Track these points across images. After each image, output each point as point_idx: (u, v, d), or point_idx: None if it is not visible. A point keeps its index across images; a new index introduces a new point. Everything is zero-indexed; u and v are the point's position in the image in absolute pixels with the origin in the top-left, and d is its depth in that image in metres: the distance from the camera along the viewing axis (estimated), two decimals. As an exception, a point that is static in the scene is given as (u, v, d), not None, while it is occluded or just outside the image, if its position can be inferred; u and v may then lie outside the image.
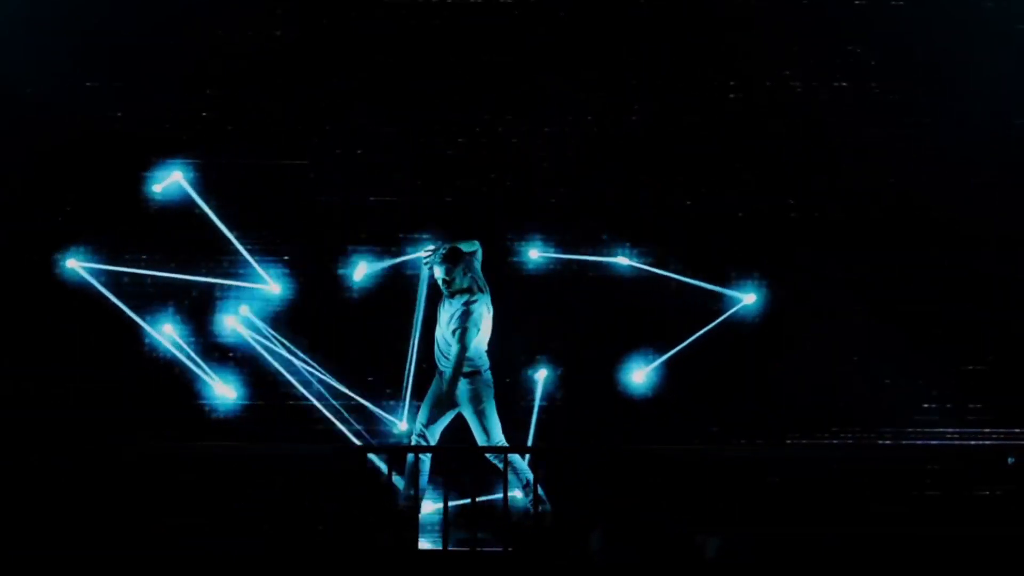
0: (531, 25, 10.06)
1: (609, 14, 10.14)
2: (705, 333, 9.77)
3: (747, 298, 9.79)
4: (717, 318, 9.80)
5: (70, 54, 9.82)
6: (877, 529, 8.03)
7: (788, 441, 9.68)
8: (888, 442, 9.61)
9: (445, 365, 8.48)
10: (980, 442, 9.42)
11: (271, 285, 9.72)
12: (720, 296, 9.88)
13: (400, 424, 9.33)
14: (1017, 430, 9.59)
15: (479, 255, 8.68)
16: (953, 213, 10.06)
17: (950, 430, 9.65)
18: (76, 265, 9.63)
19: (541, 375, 9.72)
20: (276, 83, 9.90)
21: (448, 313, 8.51)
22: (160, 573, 7.51)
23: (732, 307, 9.83)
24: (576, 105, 10.06)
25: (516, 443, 8.80)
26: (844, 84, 10.12)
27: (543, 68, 10.04)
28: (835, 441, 9.65)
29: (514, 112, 10.03)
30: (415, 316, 9.20)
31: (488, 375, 8.57)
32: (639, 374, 9.71)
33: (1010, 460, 8.47)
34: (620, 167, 9.99)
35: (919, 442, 9.55)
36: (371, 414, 9.60)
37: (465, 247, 8.59)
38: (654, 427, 9.65)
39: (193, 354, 9.62)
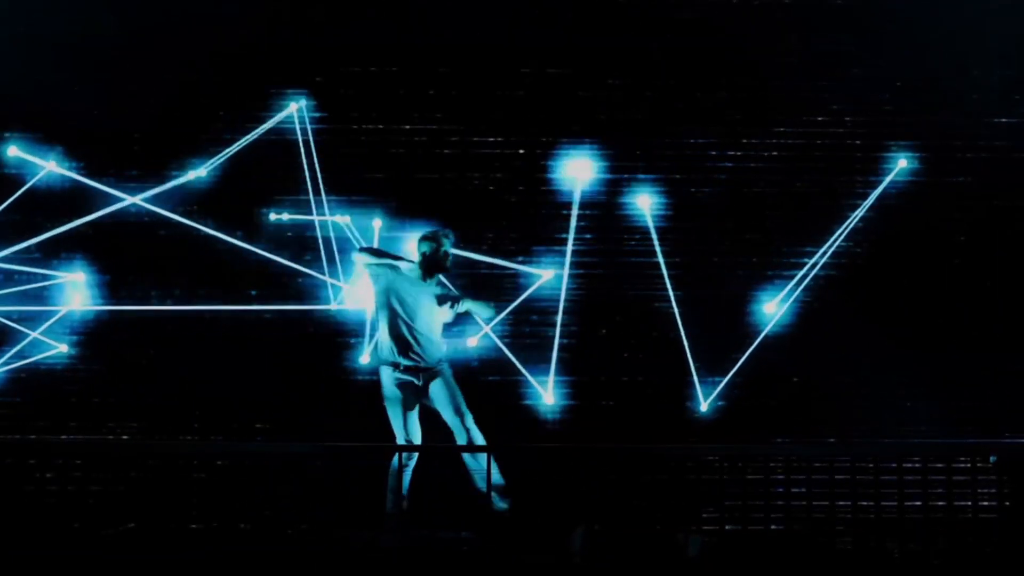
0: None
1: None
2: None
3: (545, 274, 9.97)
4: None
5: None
6: (861, 526, 8.11)
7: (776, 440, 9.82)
8: (870, 440, 9.72)
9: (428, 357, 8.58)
10: (963, 440, 9.49)
11: None
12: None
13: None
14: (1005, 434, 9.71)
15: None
16: (945, 213, 10.16)
17: (933, 428, 9.76)
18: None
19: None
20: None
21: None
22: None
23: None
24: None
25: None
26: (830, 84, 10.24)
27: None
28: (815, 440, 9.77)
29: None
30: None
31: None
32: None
33: (992, 459, 8.51)
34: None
35: (901, 440, 9.63)
36: None
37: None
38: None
39: None
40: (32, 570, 7.68)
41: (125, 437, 9.79)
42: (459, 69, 10.18)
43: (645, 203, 10.08)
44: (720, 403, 9.93)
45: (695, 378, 9.92)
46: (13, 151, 9.90)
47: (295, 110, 10.03)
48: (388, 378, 8.54)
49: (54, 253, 9.95)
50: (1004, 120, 10.20)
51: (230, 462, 9.33)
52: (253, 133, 10.03)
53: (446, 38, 10.16)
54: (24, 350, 9.83)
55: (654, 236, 10.06)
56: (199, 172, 9.96)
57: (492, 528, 8.07)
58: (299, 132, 10.01)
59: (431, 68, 10.17)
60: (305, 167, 9.96)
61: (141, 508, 9.02)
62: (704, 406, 9.89)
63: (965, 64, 10.22)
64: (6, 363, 9.83)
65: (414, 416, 8.56)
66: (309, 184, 9.96)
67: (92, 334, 9.94)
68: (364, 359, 9.87)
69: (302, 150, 9.97)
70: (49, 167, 9.92)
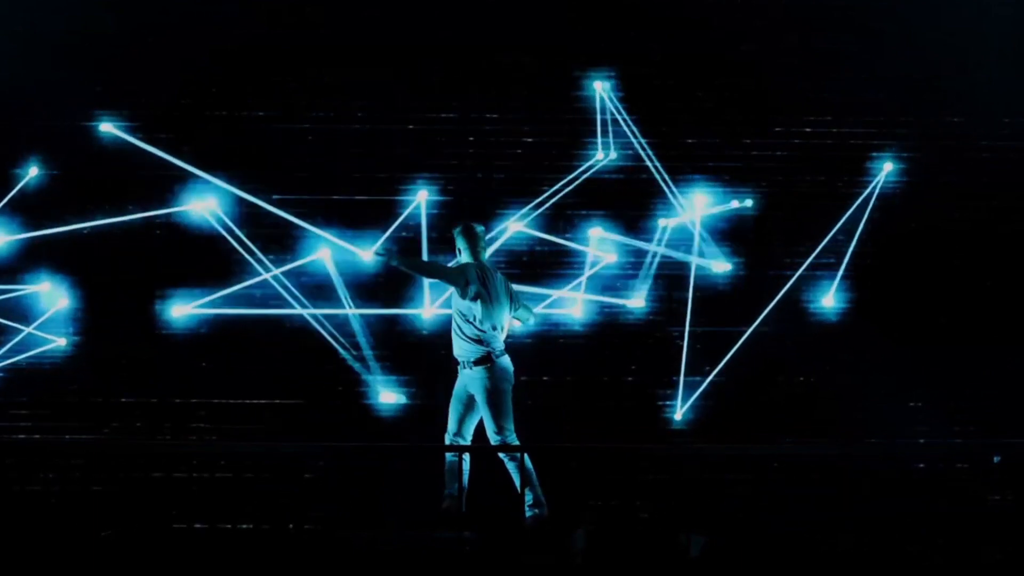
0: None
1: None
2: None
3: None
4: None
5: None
6: (863, 527, 8.11)
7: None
8: (875, 440, 9.71)
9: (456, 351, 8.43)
10: (967, 440, 9.49)
11: None
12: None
13: None
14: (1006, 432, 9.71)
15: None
16: (945, 213, 10.16)
17: (936, 429, 9.75)
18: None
19: None
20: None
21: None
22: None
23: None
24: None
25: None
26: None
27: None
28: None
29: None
30: None
31: (504, 361, 8.29)
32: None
33: (996, 459, 8.52)
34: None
35: (906, 440, 9.62)
36: None
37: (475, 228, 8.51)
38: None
39: None
40: (32, 570, 7.66)
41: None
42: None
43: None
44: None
45: (681, 379, 9.95)
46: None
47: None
48: None
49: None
50: (1004, 120, 10.22)
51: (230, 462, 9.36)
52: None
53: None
54: (23, 346, 9.80)
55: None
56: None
57: (492, 528, 8.06)
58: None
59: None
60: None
61: (141, 508, 9.05)
62: (679, 414, 9.88)
63: (965, 64, 10.23)
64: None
65: (468, 414, 8.41)
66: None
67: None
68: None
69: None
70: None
